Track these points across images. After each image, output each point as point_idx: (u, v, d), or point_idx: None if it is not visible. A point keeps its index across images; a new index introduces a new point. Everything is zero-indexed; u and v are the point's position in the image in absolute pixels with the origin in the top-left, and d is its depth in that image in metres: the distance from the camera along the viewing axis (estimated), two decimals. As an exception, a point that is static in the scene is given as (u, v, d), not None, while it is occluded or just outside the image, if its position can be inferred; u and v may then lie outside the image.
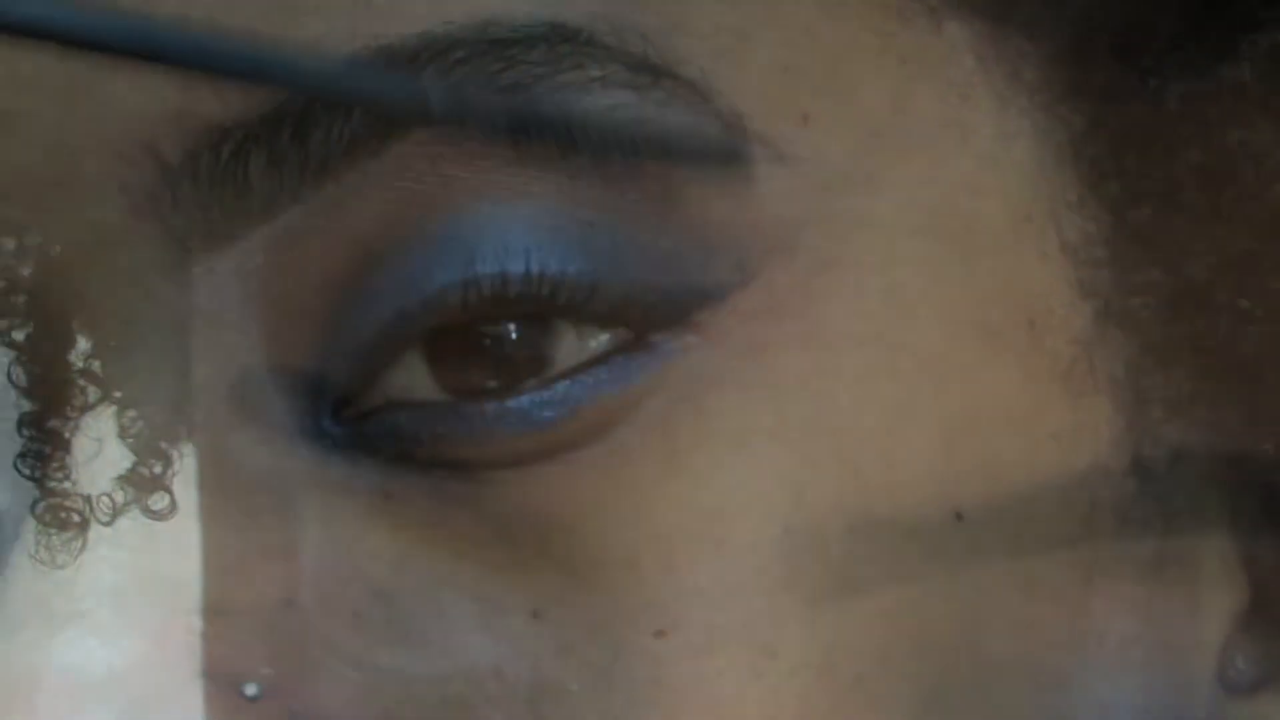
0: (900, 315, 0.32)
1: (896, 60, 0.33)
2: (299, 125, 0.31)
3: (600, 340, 0.31)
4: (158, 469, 0.31)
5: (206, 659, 0.30)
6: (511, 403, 0.31)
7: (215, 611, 0.31)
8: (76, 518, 0.31)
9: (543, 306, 0.31)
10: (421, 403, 0.31)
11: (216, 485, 0.31)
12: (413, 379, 0.31)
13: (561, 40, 0.31)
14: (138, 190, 0.31)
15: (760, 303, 0.31)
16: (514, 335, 0.31)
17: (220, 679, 0.30)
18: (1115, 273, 0.34)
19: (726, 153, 0.30)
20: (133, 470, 0.32)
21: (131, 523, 0.31)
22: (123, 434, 0.32)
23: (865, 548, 0.31)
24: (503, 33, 0.31)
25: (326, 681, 0.30)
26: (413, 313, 0.31)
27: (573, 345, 0.31)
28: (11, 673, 0.30)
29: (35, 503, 0.32)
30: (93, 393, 0.32)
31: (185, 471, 0.31)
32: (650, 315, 0.31)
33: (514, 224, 0.31)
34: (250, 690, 0.30)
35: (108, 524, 0.31)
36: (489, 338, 0.31)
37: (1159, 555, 0.35)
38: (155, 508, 0.32)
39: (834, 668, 0.31)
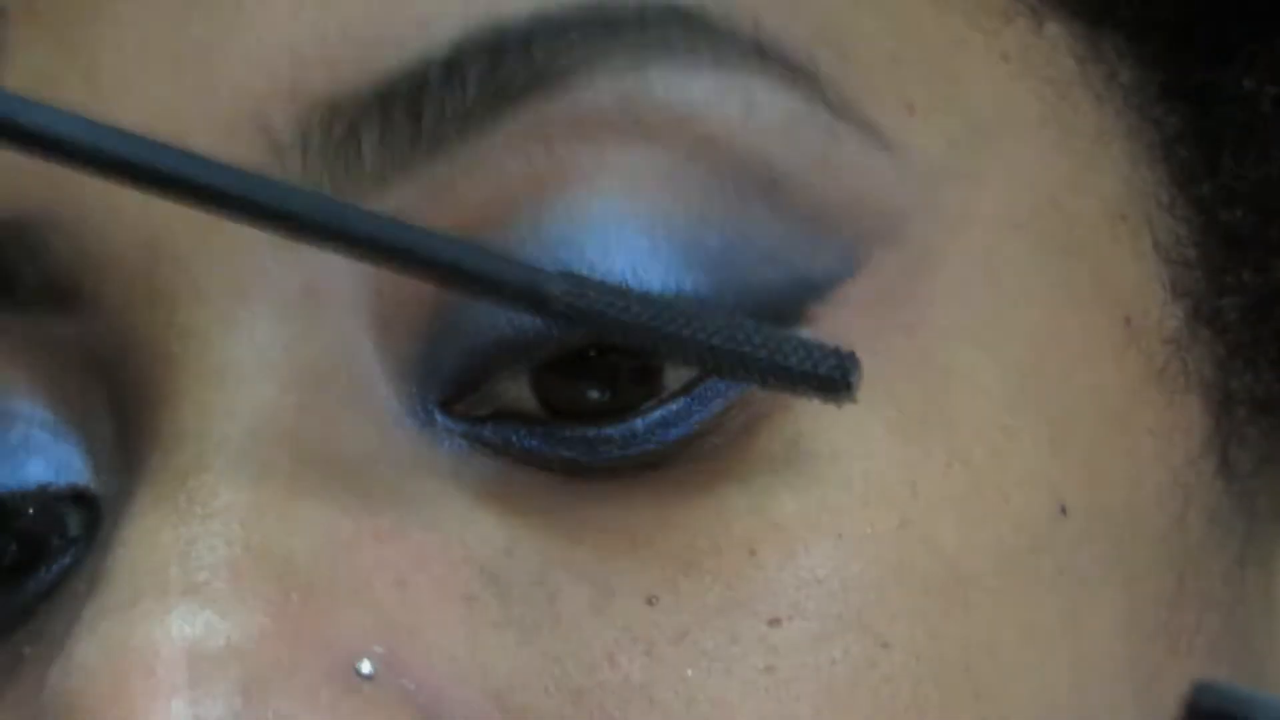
0: (1003, 309, 0.32)
1: (999, 57, 0.33)
2: (412, 100, 0.31)
3: None
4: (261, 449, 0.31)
5: (323, 635, 0.30)
6: (630, 425, 0.31)
7: (329, 590, 0.30)
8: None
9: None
10: (532, 418, 0.31)
11: (324, 463, 0.31)
12: (517, 391, 0.31)
13: (675, 21, 0.31)
14: (247, 165, 0.30)
15: (868, 293, 0.31)
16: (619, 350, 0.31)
17: (337, 655, 0.30)
18: (1205, 274, 0.34)
19: (836, 380, 0.30)
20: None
21: (240, 497, 0.30)
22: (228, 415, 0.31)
23: (975, 539, 0.31)
24: (616, 13, 0.31)
25: (439, 663, 0.30)
26: (530, 330, 0.31)
27: None
28: (131, 643, 0.29)
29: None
30: (195, 370, 0.31)
31: (293, 447, 0.31)
32: (762, 313, 0.31)
33: (629, 225, 0.31)
34: (365, 668, 0.30)
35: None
36: (595, 351, 0.31)
37: (1240, 557, 0.35)
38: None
39: (944, 659, 0.30)
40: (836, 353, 0.29)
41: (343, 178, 0.31)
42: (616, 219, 0.31)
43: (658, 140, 0.31)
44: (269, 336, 0.31)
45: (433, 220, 0.31)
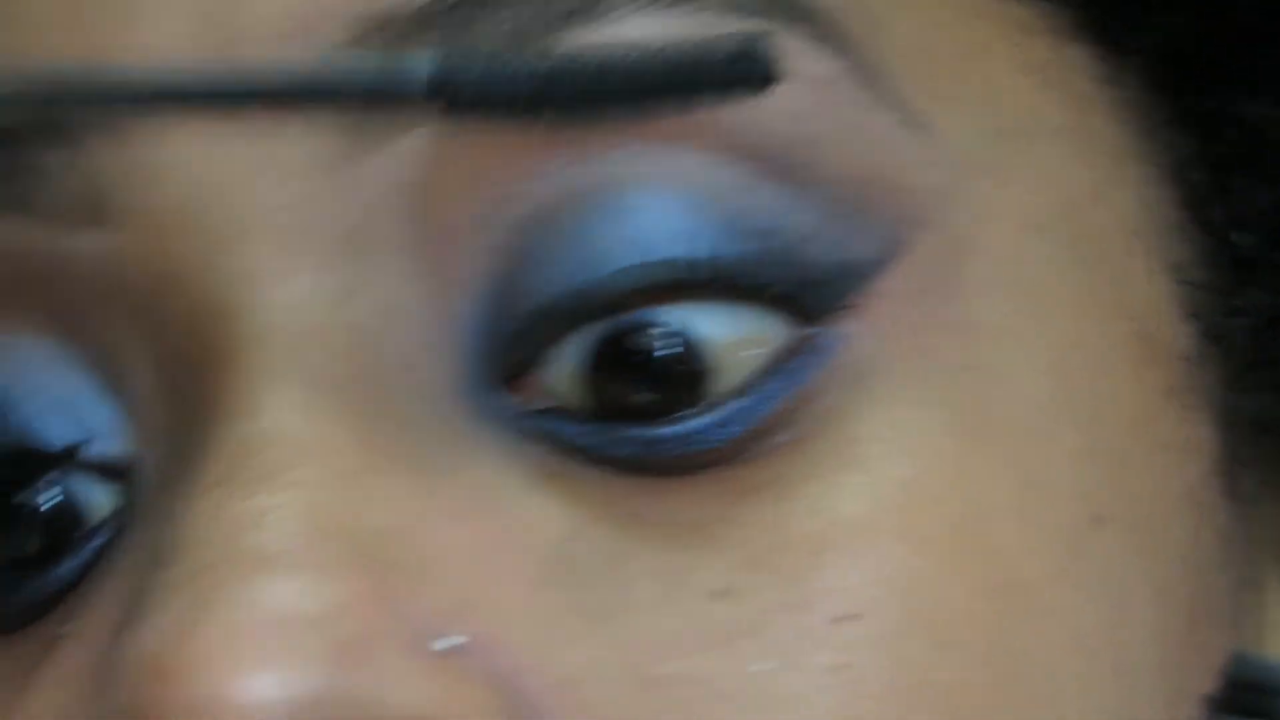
0: (1031, 311, 0.32)
1: (1023, 67, 0.33)
2: (462, 19, 0.30)
3: (754, 351, 0.31)
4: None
5: (405, 610, 0.29)
6: (688, 425, 0.31)
7: (403, 566, 0.29)
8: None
9: (712, 292, 0.31)
10: (585, 415, 0.31)
11: (382, 437, 0.30)
12: (568, 389, 0.31)
13: None
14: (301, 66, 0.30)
15: (909, 283, 0.31)
16: (666, 350, 0.31)
17: (418, 631, 0.29)
18: (1214, 295, 0.35)
19: (749, 65, 0.29)
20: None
21: (310, 472, 0.29)
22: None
23: (1028, 544, 0.31)
24: None
25: (511, 647, 0.29)
26: (588, 292, 0.30)
27: (727, 353, 0.31)
28: (216, 607, 0.28)
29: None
30: (247, 328, 0.30)
31: (351, 419, 0.30)
32: (809, 295, 0.31)
33: (678, 200, 0.31)
34: (445, 645, 0.29)
35: None
36: (641, 352, 0.31)
37: (1240, 579, 0.35)
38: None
39: (1003, 663, 0.30)
40: (739, 39, 0.29)
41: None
42: (670, 210, 0.31)
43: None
44: (315, 290, 0.30)
45: (475, 156, 0.30)
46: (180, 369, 0.31)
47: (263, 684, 0.27)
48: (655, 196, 0.31)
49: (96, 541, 0.32)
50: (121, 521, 0.32)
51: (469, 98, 0.29)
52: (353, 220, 0.31)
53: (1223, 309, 0.35)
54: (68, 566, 0.32)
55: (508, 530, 0.30)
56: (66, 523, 0.32)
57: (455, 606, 0.29)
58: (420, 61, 0.29)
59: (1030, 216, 0.33)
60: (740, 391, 0.31)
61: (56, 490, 0.32)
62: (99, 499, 0.32)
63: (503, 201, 0.31)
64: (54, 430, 0.32)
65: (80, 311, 0.32)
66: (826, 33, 0.31)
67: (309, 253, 0.30)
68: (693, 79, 0.29)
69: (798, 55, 0.31)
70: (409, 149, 0.30)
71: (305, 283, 0.30)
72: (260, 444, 0.30)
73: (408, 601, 0.29)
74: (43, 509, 0.32)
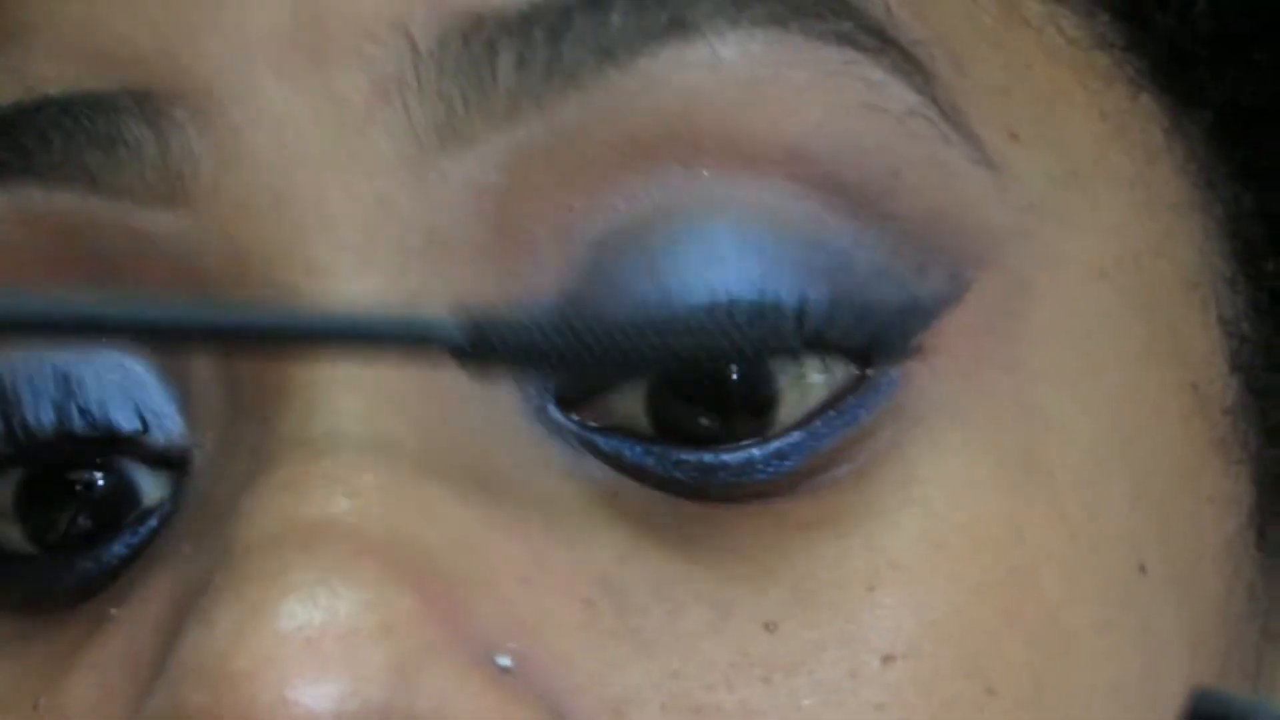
0: (1090, 356, 0.33)
1: (1098, 115, 0.34)
2: (554, 25, 0.30)
3: (817, 385, 0.31)
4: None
5: (464, 623, 0.29)
6: (747, 454, 0.31)
7: (463, 581, 0.29)
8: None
9: (780, 334, 0.31)
10: (649, 438, 0.31)
11: (446, 448, 0.30)
12: (631, 408, 0.31)
13: None
14: (383, 71, 0.31)
15: (971, 322, 0.32)
16: (733, 377, 0.31)
17: (477, 645, 0.29)
18: (1259, 349, 0.35)
19: None
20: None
21: (379, 479, 0.29)
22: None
23: (1074, 593, 0.31)
24: None
25: (561, 667, 0.30)
26: (658, 328, 0.30)
27: (790, 386, 0.31)
28: (283, 613, 0.28)
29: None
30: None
31: (418, 428, 0.30)
32: (877, 336, 0.31)
33: (755, 233, 0.31)
34: (504, 661, 0.29)
35: None
36: (706, 379, 0.31)
37: (1264, 631, 0.36)
38: None
39: (1045, 711, 0.31)
40: None
41: (475, 98, 0.31)
42: (739, 229, 0.31)
43: (781, 124, 0.31)
44: (388, 288, 0.30)
45: (562, 161, 0.31)
46: (244, 359, 0.31)
47: (323, 694, 0.28)
48: (733, 228, 0.31)
49: (149, 525, 0.32)
50: (174, 507, 0.32)
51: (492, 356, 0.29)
52: (432, 221, 0.31)
53: (1265, 363, 0.35)
54: (119, 547, 0.32)
55: (564, 549, 0.30)
56: (119, 504, 0.32)
57: (510, 623, 0.30)
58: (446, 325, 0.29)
59: (1095, 264, 0.33)
60: (800, 424, 0.31)
61: (111, 471, 0.32)
62: (152, 483, 0.32)
63: (583, 214, 0.31)
64: (112, 413, 0.32)
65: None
66: (908, 66, 0.32)
67: (386, 250, 0.30)
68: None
69: (879, 87, 0.31)
70: (494, 152, 0.31)
71: (379, 280, 0.30)
72: (327, 447, 0.30)
73: (466, 616, 0.29)
74: (96, 488, 0.32)
